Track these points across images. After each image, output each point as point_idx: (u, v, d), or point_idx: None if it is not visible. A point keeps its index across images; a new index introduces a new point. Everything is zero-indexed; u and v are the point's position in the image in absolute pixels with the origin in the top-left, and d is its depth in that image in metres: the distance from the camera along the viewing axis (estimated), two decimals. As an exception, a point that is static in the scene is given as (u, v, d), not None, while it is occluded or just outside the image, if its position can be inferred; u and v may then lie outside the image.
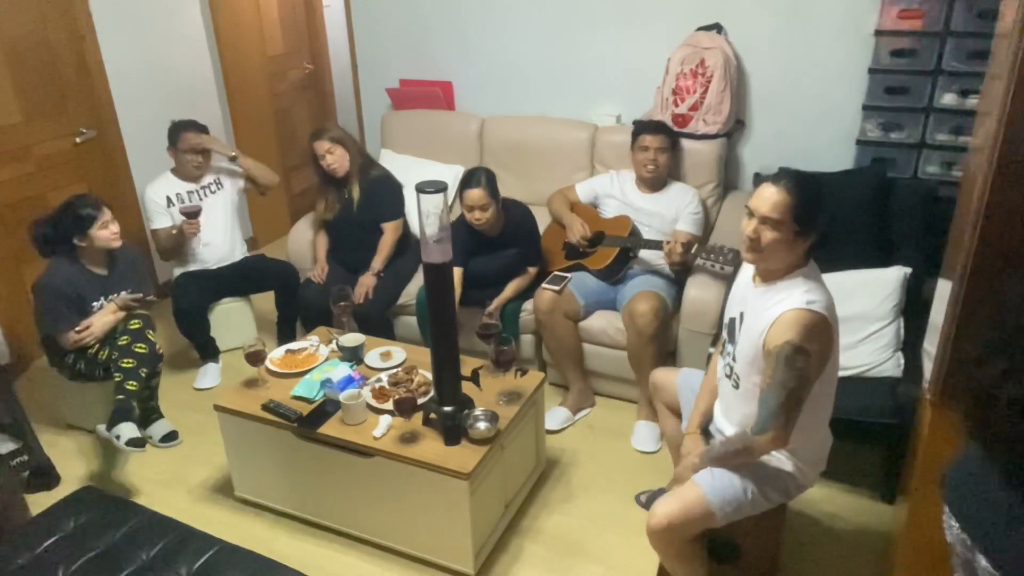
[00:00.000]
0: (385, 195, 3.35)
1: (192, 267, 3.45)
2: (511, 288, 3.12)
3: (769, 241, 1.77)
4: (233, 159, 3.48)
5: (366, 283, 3.24)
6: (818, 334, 1.72)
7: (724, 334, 2.02)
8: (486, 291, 3.10)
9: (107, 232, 2.81)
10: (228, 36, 4.40)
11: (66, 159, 3.67)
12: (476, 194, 2.88)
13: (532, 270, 3.18)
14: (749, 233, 1.79)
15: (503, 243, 3.08)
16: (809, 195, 1.76)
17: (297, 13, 5.11)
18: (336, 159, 3.24)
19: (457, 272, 2.93)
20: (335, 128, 3.33)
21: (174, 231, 3.35)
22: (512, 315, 3.11)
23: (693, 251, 2.79)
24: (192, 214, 3.28)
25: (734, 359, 1.93)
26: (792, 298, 1.76)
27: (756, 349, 1.82)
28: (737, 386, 1.92)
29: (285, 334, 3.53)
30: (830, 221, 1.81)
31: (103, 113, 3.78)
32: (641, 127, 3.11)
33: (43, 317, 2.79)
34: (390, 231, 3.33)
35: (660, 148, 3.05)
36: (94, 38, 3.67)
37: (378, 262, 3.30)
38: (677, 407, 2.30)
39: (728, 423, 2.02)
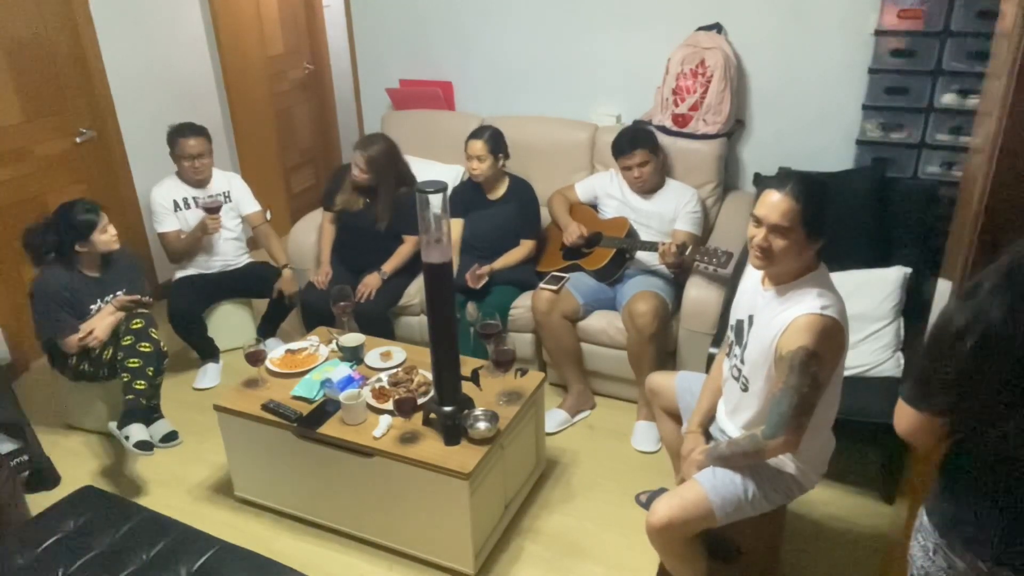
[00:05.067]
0: (412, 210, 3.34)
1: (192, 271, 3.46)
2: (502, 259, 3.23)
3: (780, 249, 1.75)
4: (284, 267, 3.48)
5: (371, 283, 3.25)
6: (831, 339, 1.72)
7: (731, 336, 2.02)
8: (482, 252, 3.26)
9: (107, 236, 2.81)
10: (228, 36, 4.39)
11: (66, 159, 3.68)
12: (476, 145, 3.17)
13: (527, 243, 3.26)
14: (760, 242, 1.77)
15: (504, 205, 3.29)
16: (816, 199, 1.74)
17: (297, 13, 5.11)
18: (363, 178, 3.25)
19: (457, 223, 3.27)
20: (379, 147, 3.25)
21: (182, 235, 3.37)
22: (503, 309, 3.11)
23: (688, 252, 2.79)
24: (213, 209, 3.30)
25: (742, 361, 1.93)
26: (805, 303, 1.75)
27: (767, 353, 1.81)
28: (746, 388, 1.92)
29: (266, 332, 3.56)
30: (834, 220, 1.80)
31: (103, 113, 3.78)
32: (615, 148, 3.09)
33: (43, 323, 2.79)
34: (411, 243, 3.33)
35: (640, 163, 3.04)
36: (94, 38, 3.67)
37: (389, 267, 3.30)
38: (675, 410, 2.30)
39: (733, 424, 2.01)
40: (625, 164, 3.06)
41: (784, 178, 1.77)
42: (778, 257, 1.77)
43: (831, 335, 1.72)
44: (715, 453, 1.94)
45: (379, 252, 3.33)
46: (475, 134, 3.21)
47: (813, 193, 1.74)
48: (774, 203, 1.74)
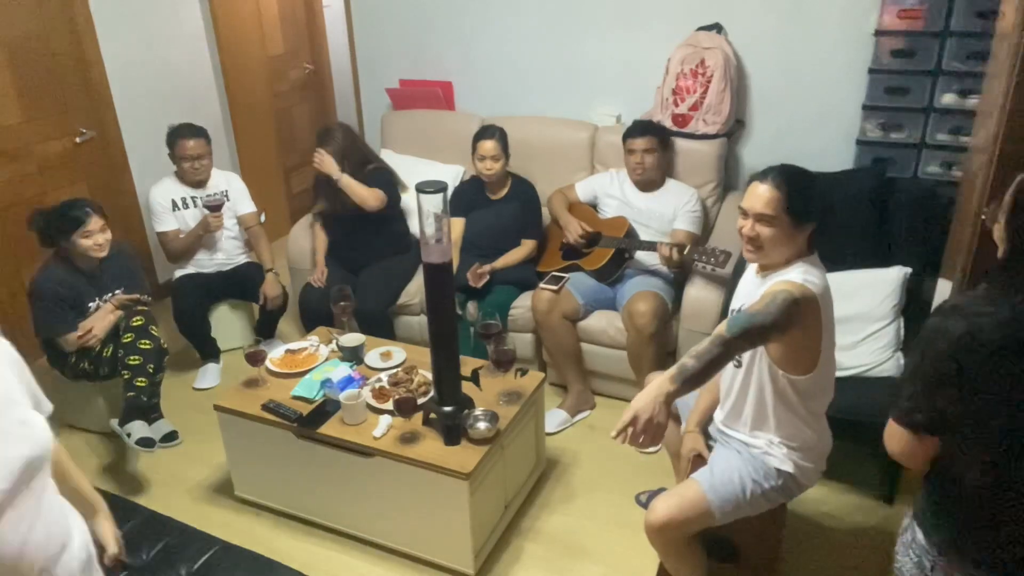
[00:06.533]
0: (381, 176, 3.35)
1: (191, 269, 3.46)
2: (504, 258, 3.23)
3: (767, 237, 1.79)
4: (269, 270, 3.48)
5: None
6: (808, 305, 1.72)
7: None
8: (484, 252, 3.25)
9: (89, 241, 2.76)
10: (228, 36, 4.39)
11: (66, 159, 3.67)
12: (489, 145, 3.19)
13: (529, 243, 3.27)
14: (747, 232, 1.82)
15: (506, 204, 3.29)
16: (799, 186, 1.78)
17: (297, 13, 5.11)
18: (323, 165, 3.25)
19: (458, 222, 3.27)
20: (337, 133, 3.30)
21: (181, 235, 3.37)
22: (503, 308, 3.12)
23: (686, 252, 2.79)
24: (216, 207, 3.31)
25: None
26: (789, 276, 1.78)
27: None
28: (739, 364, 1.92)
29: (264, 333, 3.57)
30: (829, 209, 1.81)
31: (103, 113, 3.78)
32: (627, 131, 3.12)
33: (42, 321, 2.79)
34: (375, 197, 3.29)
35: (646, 150, 3.05)
36: (94, 38, 3.67)
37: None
38: (674, 410, 2.29)
39: (724, 412, 2.02)
40: (631, 147, 3.07)
41: (767, 170, 1.82)
42: (767, 246, 1.81)
43: (808, 301, 1.72)
44: (681, 375, 1.63)
45: (371, 245, 3.35)
46: (485, 135, 3.22)
47: (794, 180, 1.78)
48: (758, 194, 1.79)
